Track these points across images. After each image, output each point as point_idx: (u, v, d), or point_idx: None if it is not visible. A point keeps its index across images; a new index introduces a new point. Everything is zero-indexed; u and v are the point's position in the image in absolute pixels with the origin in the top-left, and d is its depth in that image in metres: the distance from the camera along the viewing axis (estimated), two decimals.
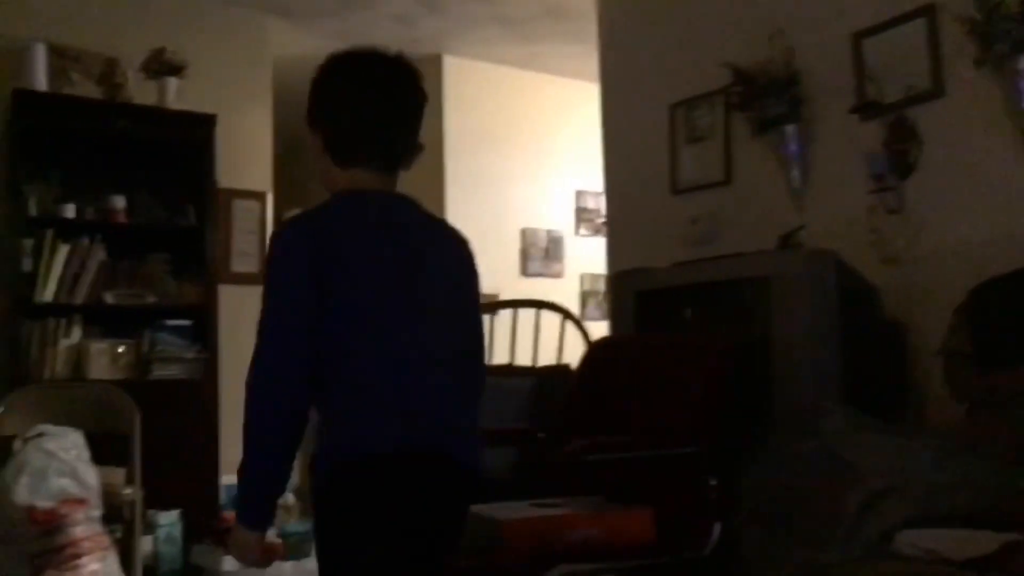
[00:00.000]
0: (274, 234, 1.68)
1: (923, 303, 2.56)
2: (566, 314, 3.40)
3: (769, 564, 1.81)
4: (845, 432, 1.99)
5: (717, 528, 2.00)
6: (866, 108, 2.79)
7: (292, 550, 3.43)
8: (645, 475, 2.16)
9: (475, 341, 1.68)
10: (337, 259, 1.51)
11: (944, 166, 2.63)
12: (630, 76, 3.68)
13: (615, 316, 2.81)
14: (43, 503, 3.11)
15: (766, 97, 2.98)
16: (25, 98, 4.00)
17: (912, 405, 2.51)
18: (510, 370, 3.32)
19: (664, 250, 3.16)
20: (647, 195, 3.55)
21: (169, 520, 3.95)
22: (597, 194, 5.87)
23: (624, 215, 3.70)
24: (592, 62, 4.10)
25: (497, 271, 5.58)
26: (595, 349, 2.68)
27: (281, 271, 1.53)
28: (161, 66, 4.38)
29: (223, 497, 4.30)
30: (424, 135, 1.80)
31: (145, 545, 3.77)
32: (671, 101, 3.43)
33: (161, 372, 4.15)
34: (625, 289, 2.72)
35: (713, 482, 2.00)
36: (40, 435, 3.29)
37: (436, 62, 5.63)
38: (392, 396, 1.48)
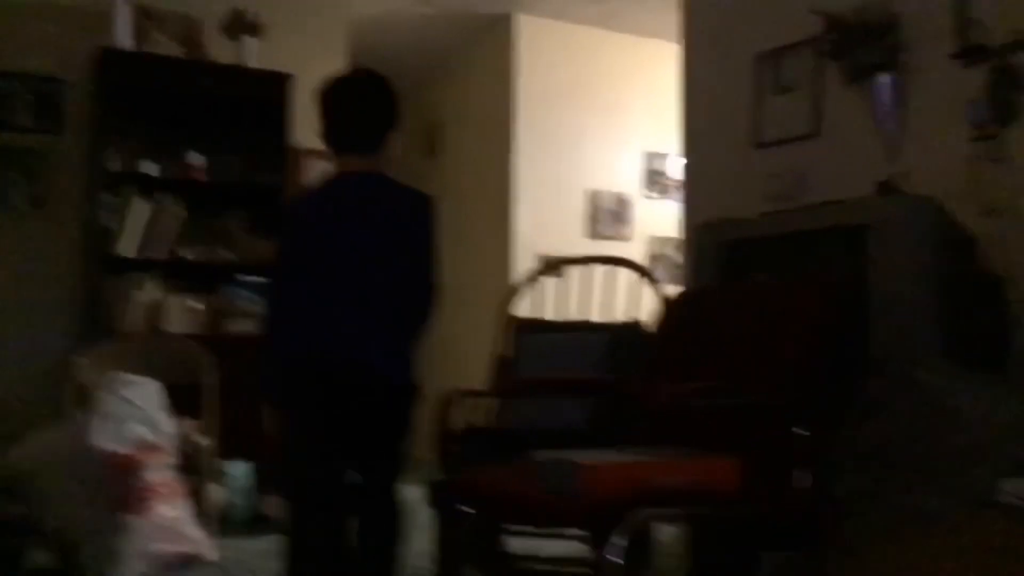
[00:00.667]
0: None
1: None
2: (642, 271, 3.31)
3: (865, 511, 1.73)
4: (945, 381, 1.88)
5: (805, 479, 1.91)
6: (969, 53, 2.64)
7: None
8: (731, 424, 2.08)
9: (406, 281, 2.26)
10: (304, 228, 2.27)
11: None
12: (714, 26, 3.56)
13: (697, 269, 2.72)
14: (121, 448, 3.18)
15: (861, 44, 2.85)
16: (111, 56, 4.07)
17: (1010, 359, 2.38)
18: (583, 325, 3.26)
19: (744, 206, 3.05)
20: (727, 149, 3.43)
21: (241, 471, 4.01)
22: (666, 156, 5.78)
23: (702, 171, 3.60)
24: (667, 19, 4.00)
25: (564, 233, 5.53)
26: (678, 301, 2.60)
27: (281, 239, 2.33)
28: (240, 27, 4.42)
29: None
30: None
31: (217, 494, 3.83)
32: (757, 51, 3.31)
33: (236, 327, 4.19)
34: (710, 240, 2.63)
35: (806, 432, 1.91)
36: (120, 383, 3.36)
37: (506, 21, 5.58)
38: (306, 325, 2.21)
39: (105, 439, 3.15)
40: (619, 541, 1.75)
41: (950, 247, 2.25)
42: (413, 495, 3.10)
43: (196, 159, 4.28)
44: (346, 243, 2.20)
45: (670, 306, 2.58)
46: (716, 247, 2.61)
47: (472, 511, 2.06)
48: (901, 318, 2.14)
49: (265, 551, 3.57)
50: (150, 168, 4.19)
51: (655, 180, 5.84)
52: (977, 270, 2.38)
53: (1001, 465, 1.69)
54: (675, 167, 5.65)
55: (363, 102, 2.30)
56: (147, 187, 4.17)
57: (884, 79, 2.83)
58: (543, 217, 5.51)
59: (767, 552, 2.06)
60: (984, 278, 2.39)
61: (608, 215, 5.67)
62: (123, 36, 4.15)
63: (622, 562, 1.76)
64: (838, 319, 2.16)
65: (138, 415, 3.29)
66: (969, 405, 1.83)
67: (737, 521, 2.08)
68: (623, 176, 5.77)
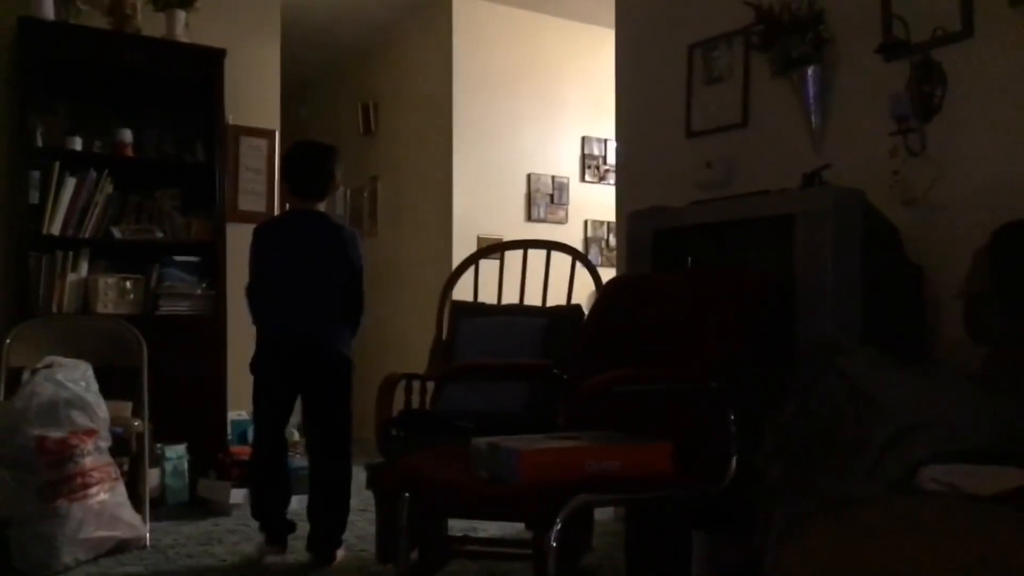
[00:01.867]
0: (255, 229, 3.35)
1: (943, 246, 2.54)
2: (576, 255, 3.37)
3: (790, 496, 1.82)
4: (867, 369, 1.98)
5: (734, 462, 2.00)
6: (891, 48, 2.74)
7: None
8: (663, 409, 2.16)
9: (336, 289, 3.18)
10: (266, 247, 3.25)
11: (969, 108, 2.59)
12: (647, 15, 3.62)
13: (630, 256, 2.79)
14: (53, 433, 3.13)
15: (788, 36, 2.94)
16: (32, 27, 3.93)
17: (929, 347, 2.51)
18: (520, 309, 3.31)
19: (676, 194, 3.13)
20: (660, 138, 3.51)
21: (176, 453, 3.98)
22: (602, 140, 5.86)
23: (635, 158, 3.67)
24: (604, 5, 4.03)
25: (502, 215, 5.57)
26: (611, 287, 2.65)
27: (251, 256, 3.28)
28: None
29: (230, 432, 4.31)
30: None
31: (152, 478, 3.80)
32: (689, 41, 3.38)
33: (169, 308, 4.14)
34: (642, 228, 2.69)
35: (732, 416, 1.99)
36: (49, 366, 3.30)
37: (446, 3, 5.54)
38: (273, 314, 3.22)
39: (36, 423, 3.10)
40: (556, 527, 1.79)
41: (873, 237, 2.34)
42: (357, 476, 3.12)
43: (124, 135, 4.18)
44: (285, 262, 3.21)
45: (602, 292, 2.64)
46: (647, 234, 2.67)
47: (408, 496, 2.09)
48: (825, 306, 2.23)
49: (201, 534, 3.57)
50: (76, 143, 4.08)
51: (592, 165, 5.92)
52: (899, 260, 2.49)
53: (920, 451, 1.79)
54: (612, 152, 5.72)
55: (314, 166, 3.27)
56: (74, 163, 4.06)
57: (810, 72, 2.92)
58: (482, 200, 5.53)
59: (699, 533, 2.14)
60: (905, 268, 2.51)
61: (545, 198, 5.73)
62: (46, 5, 4.00)
63: (559, 547, 1.80)
64: (763, 307, 2.24)
65: (70, 398, 3.23)
66: (890, 392, 1.93)
67: (671, 504, 2.17)
68: (560, 160, 5.84)
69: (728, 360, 2.12)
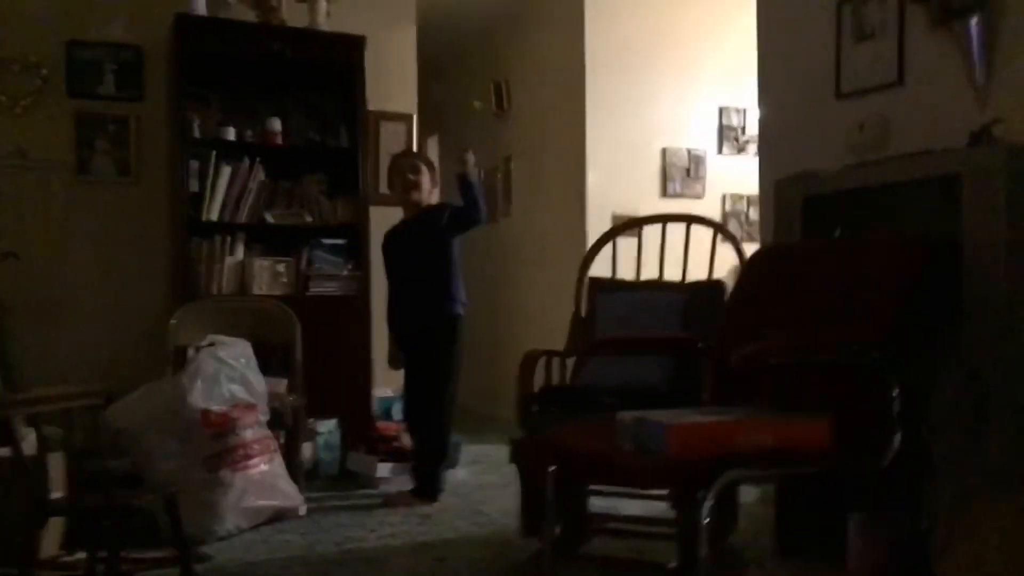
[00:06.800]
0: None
1: None
2: (718, 227, 3.28)
3: (960, 471, 1.71)
4: None
5: (897, 438, 1.89)
6: None
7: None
8: (815, 382, 2.07)
9: None
10: None
11: None
12: None
13: (777, 225, 2.68)
14: (216, 407, 3.29)
15: None
16: (187, 22, 4.13)
17: None
18: (659, 285, 3.26)
19: (825, 160, 2.98)
20: (807, 101, 3.35)
21: (328, 428, 4.13)
22: (741, 110, 5.64)
23: (780, 124, 3.51)
24: None
25: (637, 191, 5.45)
26: (758, 257, 2.57)
27: None
28: None
29: (376, 408, 4.44)
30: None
31: (306, 450, 3.96)
32: None
33: (318, 288, 4.29)
34: (790, 195, 2.58)
35: (896, 390, 1.89)
36: (212, 344, 3.48)
37: None
38: None
39: (201, 398, 3.27)
40: (708, 501, 1.75)
41: None
42: (499, 452, 3.13)
43: (273, 123, 4.35)
44: None
45: (749, 263, 2.56)
46: (797, 201, 2.56)
47: (554, 468, 2.08)
48: (998, 268, 2.08)
49: (352, 504, 3.70)
50: (229, 133, 4.28)
51: (730, 136, 5.71)
52: None
53: None
54: (752, 122, 5.52)
55: None
56: (228, 152, 4.26)
57: (973, 21, 2.72)
58: (616, 176, 5.43)
59: (855, 512, 2.05)
60: None
61: (681, 173, 5.57)
62: (198, 1, 4.20)
63: (709, 521, 1.76)
64: (927, 273, 2.12)
65: (231, 374, 3.40)
66: None
67: (829, 482, 2.08)
68: (697, 133, 5.64)
69: (890, 329, 2.01)
